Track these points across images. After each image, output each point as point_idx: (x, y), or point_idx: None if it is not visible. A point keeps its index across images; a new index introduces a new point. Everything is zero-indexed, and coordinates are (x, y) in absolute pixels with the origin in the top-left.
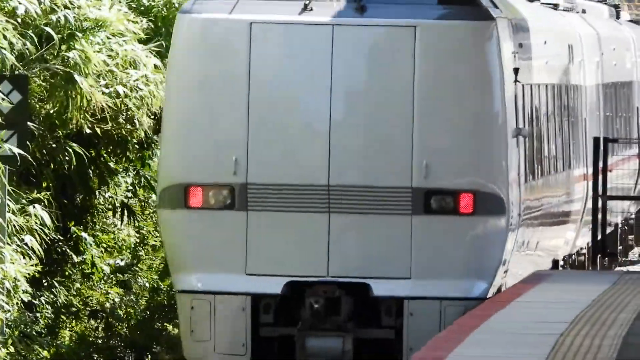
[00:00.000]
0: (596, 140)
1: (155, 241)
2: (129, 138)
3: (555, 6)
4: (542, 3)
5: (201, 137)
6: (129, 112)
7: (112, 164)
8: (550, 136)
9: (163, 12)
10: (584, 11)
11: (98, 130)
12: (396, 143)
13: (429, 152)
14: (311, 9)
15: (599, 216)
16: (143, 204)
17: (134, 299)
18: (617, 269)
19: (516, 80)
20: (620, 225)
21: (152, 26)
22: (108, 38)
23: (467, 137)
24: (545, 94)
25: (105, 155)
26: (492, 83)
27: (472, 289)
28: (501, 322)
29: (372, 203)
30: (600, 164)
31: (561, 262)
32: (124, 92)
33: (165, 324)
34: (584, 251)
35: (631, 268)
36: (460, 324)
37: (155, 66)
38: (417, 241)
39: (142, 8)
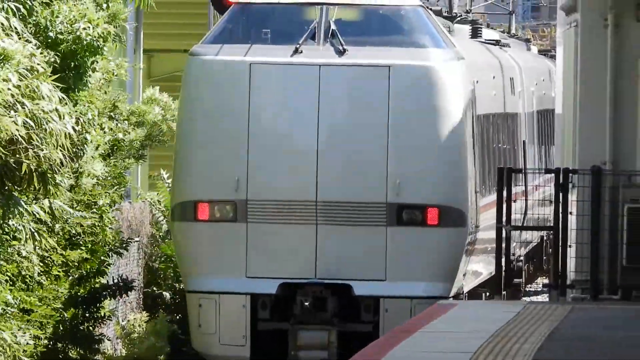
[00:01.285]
0: (500, 170)
1: (59, 272)
2: (35, 168)
3: (497, 42)
4: (486, 40)
5: (208, 160)
6: (35, 144)
7: (16, 193)
8: (496, 159)
9: (72, 47)
10: (508, 45)
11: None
12: (373, 165)
13: (400, 172)
14: (301, 52)
15: (502, 246)
16: (50, 233)
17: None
18: (522, 299)
19: (474, 111)
20: (523, 256)
21: (59, 60)
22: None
23: (434, 160)
24: (495, 122)
25: (9, 184)
26: (456, 115)
27: (438, 289)
28: (406, 352)
29: (352, 216)
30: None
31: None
32: (32, 124)
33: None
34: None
35: (535, 298)
36: (365, 354)
37: (61, 100)
38: (391, 248)
39: (50, 41)
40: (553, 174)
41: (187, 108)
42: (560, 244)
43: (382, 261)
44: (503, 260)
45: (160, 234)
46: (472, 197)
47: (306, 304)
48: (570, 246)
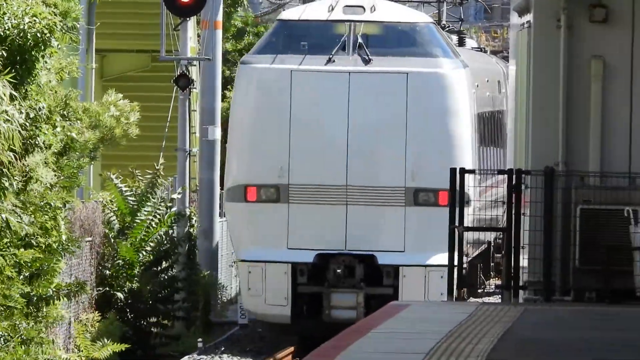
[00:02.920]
0: (452, 170)
1: (12, 272)
2: None
3: (482, 50)
4: (473, 48)
5: (256, 151)
6: None
7: None
8: (491, 151)
9: (17, 40)
10: (486, 51)
11: None
12: (394, 155)
13: (417, 161)
14: (334, 61)
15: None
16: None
17: None
18: (473, 300)
19: (475, 110)
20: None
21: (5, 55)
22: None
23: (445, 151)
24: (490, 119)
25: None
26: (463, 114)
27: (447, 259)
28: (358, 353)
29: (376, 198)
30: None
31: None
32: None
33: None
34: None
35: (487, 299)
36: (318, 354)
37: (12, 97)
38: (408, 225)
39: None
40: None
41: (238, 107)
42: (513, 245)
43: (401, 235)
44: (456, 260)
45: (113, 233)
46: (475, 182)
47: (338, 271)
48: (523, 247)
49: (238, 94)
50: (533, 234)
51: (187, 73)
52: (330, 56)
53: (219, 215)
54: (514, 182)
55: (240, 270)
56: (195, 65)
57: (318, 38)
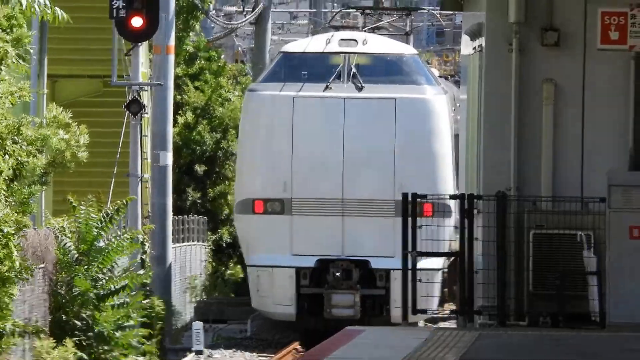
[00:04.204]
0: (404, 195)
1: None
2: None
3: (447, 78)
4: (439, 76)
5: (262, 169)
6: None
7: None
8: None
9: None
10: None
11: None
12: (384, 171)
13: (404, 177)
14: (330, 88)
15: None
16: None
17: None
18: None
19: (452, 131)
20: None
21: None
22: None
23: (429, 167)
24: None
25: None
26: (444, 135)
27: (434, 263)
28: None
29: (369, 209)
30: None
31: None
32: None
33: None
34: None
35: (442, 324)
36: None
37: None
38: (397, 233)
39: None
40: (455, 201)
41: (246, 130)
42: (466, 270)
43: (391, 242)
44: (410, 287)
45: (67, 258)
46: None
47: (337, 274)
48: (476, 272)
49: (245, 119)
50: (486, 259)
51: (139, 98)
52: (328, 84)
53: (172, 241)
54: (466, 206)
55: (250, 274)
56: (146, 91)
57: (317, 68)
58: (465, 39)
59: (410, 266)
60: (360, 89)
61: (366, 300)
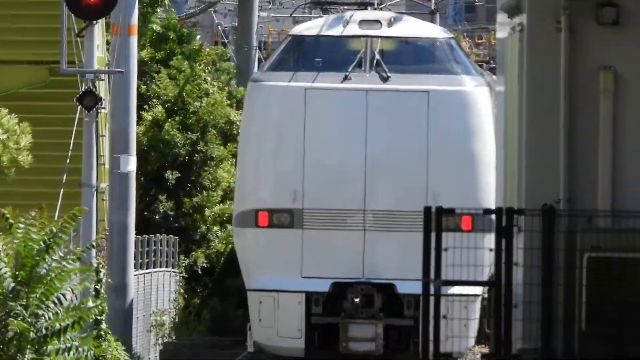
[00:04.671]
0: (426, 210)
1: None
2: None
3: (482, 65)
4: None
5: (267, 173)
6: None
7: None
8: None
9: None
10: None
11: None
12: (414, 178)
13: (439, 184)
14: (350, 78)
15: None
16: None
17: None
18: None
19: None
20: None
21: None
22: None
23: (468, 173)
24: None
25: None
26: (487, 134)
27: (472, 288)
28: None
29: (396, 223)
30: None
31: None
32: None
33: None
34: None
35: None
36: None
37: None
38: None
39: None
40: (494, 215)
41: (248, 127)
42: (503, 304)
43: (421, 263)
44: (431, 325)
45: (1, 289)
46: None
47: (356, 300)
48: (515, 306)
49: (248, 114)
50: (528, 289)
51: (94, 89)
52: (347, 74)
53: (135, 267)
54: (503, 224)
55: (251, 300)
56: (104, 80)
57: (333, 54)
58: (501, 16)
59: (432, 298)
60: (385, 79)
61: (390, 332)
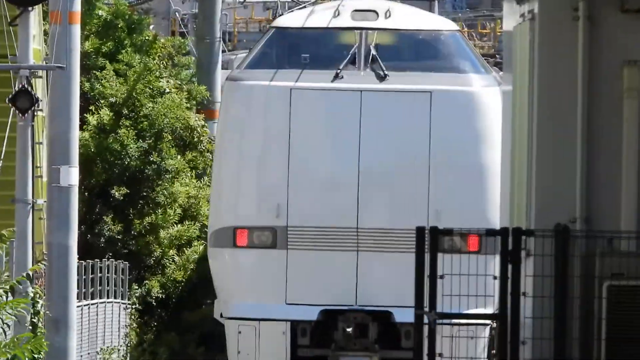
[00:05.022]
0: (419, 230)
1: None
2: None
3: (487, 59)
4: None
5: (247, 185)
6: None
7: None
8: None
9: None
10: None
11: None
12: (414, 192)
13: (442, 199)
14: (342, 77)
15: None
16: None
17: None
18: None
19: None
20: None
21: None
22: None
23: (477, 187)
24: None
25: None
26: (498, 140)
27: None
28: None
29: (394, 242)
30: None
31: None
32: None
33: None
34: None
35: None
36: None
37: None
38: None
39: None
40: (498, 237)
41: (226, 133)
42: (508, 340)
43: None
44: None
45: None
46: None
47: (348, 330)
48: (523, 343)
49: (225, 117)
50: (539, 323)
51: (30, 88)
52: (338, 71)
53: (78, 297)
54: (509, 247)
55: (229, 329)
56: (41, 77)
57: (322, 49)
58: (508, 2)
59: (425, 330)
60: (382, 78)
61: None
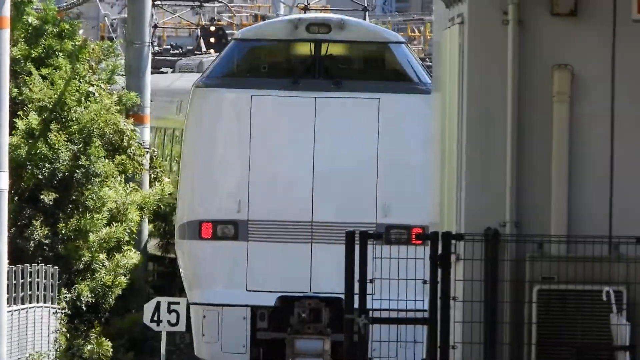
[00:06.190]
0: (349, 235)
1: None
2: None
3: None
4: None
5: (211, 183)
6: None
7: None
8: None
9: None
10: None
11: None
12: (364, 189)
13: (389, 196)
14: (299, 84)
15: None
16: None
17: None
18: None
19: None
20: None
21: None
22: None
23: (420, 184)
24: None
25: None
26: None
27: (422, 304)
28: None
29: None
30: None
31: None
32: None
33: None
34: None
35: None
36: None
37: None
38: (379, 265)
39: None
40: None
41: (192, 135)
42: (439, 345)
43: (371, 277)
44: None
45: None
46: None
47: (303, 315)
48: (453, 347)
49: (191, 121)
50: (468, 328)
51: None
52: (295, 79)
53: (7, 302)
54: (439, 251)
55: (194, 314)
56: None
57: (280, 59)
58: (438, 5)
59: (355, 337)
60: (335, 85)
61: (339, 348)
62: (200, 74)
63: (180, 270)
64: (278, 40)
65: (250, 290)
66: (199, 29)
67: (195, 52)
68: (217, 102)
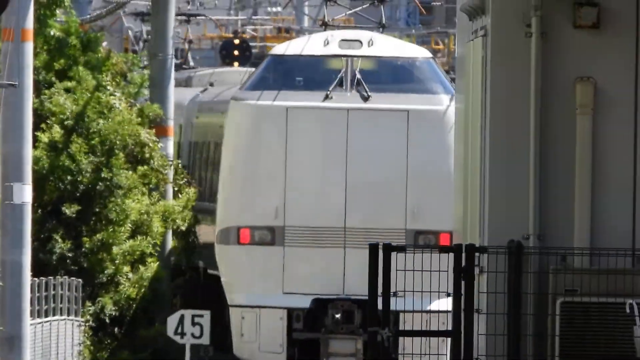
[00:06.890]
0: (373, 247)
1: None
2: None
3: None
4: None
5: (250, 191)
6: None
7: None
8: None
9: None
10: None
11: None
12: (394, 196)
13: (418, 202)
14: (331, 97)
15: None
16: None
17: None
18: None
19: None
20: None
21: None
22: None
23: (447, 192)
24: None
25: None
26: None
27: (449, 304)
28: None
29: (375, 240)
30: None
31: None
32: None
33: None
34: None
35: None
36: None
37: None
38: (408, 268)
39: None
40: (451, 254)
41: (231, 146)
42: (462, 356)
43: (401, 279)
44: None
45: None
46: None
47: (336, 316)
48: (477, 359)
49: (229, 132)
50: (492, 340)
51: None
52: (328, 93)
53: (31, 315)
54: (462, 263)
55: (233, 316)
56: None
57: (314, 74)
58: (461, 18)
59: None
60: (366, 98)
61: None
62: (187, 88)
63: (220, 274)
64: (312, 56)
65: (286, 293)
66: (186, 42)
67: (183, 66)
68: (255, 114)
